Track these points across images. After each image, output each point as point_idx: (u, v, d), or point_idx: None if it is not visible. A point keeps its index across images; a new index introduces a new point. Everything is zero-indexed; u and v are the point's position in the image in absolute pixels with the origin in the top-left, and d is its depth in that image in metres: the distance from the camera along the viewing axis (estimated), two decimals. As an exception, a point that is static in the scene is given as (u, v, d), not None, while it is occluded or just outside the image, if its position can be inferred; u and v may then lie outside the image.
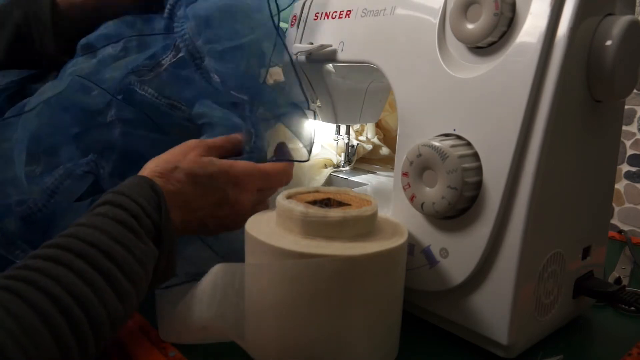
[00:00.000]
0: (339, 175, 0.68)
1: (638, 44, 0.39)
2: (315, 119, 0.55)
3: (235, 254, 0.45)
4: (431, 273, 0.42)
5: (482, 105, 0.39)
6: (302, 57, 0.56)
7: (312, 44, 0.54)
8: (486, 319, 0.40)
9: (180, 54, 0.51)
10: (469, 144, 0.40)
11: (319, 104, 0.63)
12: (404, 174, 0.42)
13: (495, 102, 0.38)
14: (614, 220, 0.98)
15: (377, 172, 0.70)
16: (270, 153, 0.52)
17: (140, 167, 0.44)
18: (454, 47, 0.42)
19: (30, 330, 0.29)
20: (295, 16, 0.59)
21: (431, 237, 0.42)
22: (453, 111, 0.41)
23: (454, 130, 0.41)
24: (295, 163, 0.51)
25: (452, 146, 0.39)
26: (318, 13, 0.56)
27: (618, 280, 0.56)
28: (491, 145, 0.38)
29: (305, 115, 0.53)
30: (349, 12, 0.52)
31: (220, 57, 0.51)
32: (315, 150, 0.70)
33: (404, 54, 0.45)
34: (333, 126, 0.68)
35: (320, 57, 0.54)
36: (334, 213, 0.37)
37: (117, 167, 0.51)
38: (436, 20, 0.43)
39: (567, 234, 0.42)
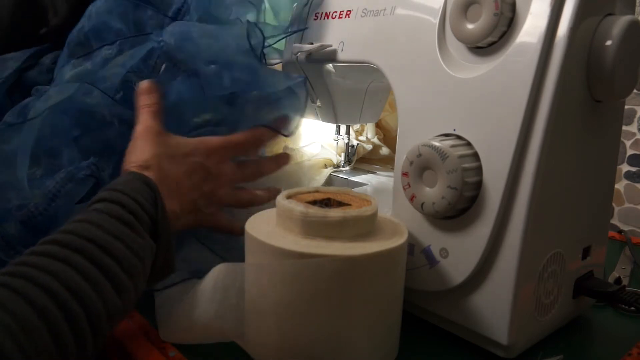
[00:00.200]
0: (339, 175, 0.68)
1: (638, 44, 0.39)
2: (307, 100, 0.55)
3: (235, 252, 0.45)
4: (431, 273, 0.42)
5: (482, 105, 0.39)
6: (302, 57, 0.56)
7: (312, 44, 0.54)
8: (486, 319, 0.40)
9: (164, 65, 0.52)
10: (469, 144, 0.40)
11: (319, 104, 0.63)
12: (404, 174, 0.42)
13: (495, 102, 0.38)
14: (614, 220, 0.98)
15: (377, 172, 0.70)
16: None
17: None
18: (454, 47, 0.42)
19: (27, 327, 0.29)
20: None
21: (431, 237, 0.42)
22: (453, 111, 0.41)
23: (454, 130, 0.41)
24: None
25: (452, 146, 0.39)
26: (318, 13, 0.56)
27: (618, 280, 0.56)
28: (491, 145, 0.38)
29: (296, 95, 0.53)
30: (349, 12, 0.52)
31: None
32: (315, 150, 0.70)
33: (404, 54, 0.45)
34: (333, 126, 0.68)
35: (320, 57, 0.54)
36: (334, 213, 0.37)
37: (117, 168, 0.51)
38: (436, 20, 0.43)
39: (567, 234, 0.42)
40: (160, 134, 0.46)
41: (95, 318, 0.33)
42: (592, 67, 0.38)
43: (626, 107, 0.89)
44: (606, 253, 0.49)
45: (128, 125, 0.50)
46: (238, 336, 0.39)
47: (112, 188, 0.40)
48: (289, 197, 0.41)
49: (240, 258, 0.41)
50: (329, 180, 0.67)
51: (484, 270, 0.40)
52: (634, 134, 0.94)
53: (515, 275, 0.38)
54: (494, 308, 0.39)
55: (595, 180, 0.44)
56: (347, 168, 0.71)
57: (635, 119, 0.93)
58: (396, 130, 0.46)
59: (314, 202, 0.41)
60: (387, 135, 0.76)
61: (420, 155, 0.40)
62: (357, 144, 0.71)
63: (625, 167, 0.96)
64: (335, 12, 0.54)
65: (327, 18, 0.54)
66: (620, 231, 0.72)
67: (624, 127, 0.94)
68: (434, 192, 0.40)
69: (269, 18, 0.59)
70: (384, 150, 0.75)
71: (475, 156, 0.39)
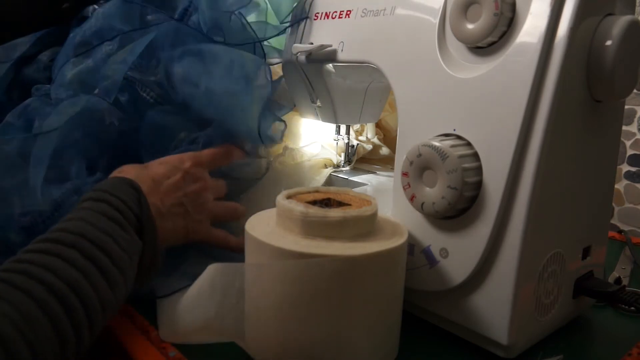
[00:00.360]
0: (339, 175, 0.68)
1: (638, 44, 0.39)
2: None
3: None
4: (431, 273, 0.42)
5: (482, 105, 0.39)
6: (302, 57, 0.56)
7: (312, 44, 0.55)
8: (486, 319, 0.40)
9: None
10: (469, 144, 0.40)
11: (319, 103, 0.63)
12: (404, 174, 0.42)
13: (495, 102, 0.38)
14: (614, 220, 0.98)
15: (377, 172, 0.70)
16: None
17: None
18: (454, 47, 0.42)
19: (29, 317, 0.30)
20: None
21: (431, 237, 0.42)
22: (453, 111, 0.41)
23: (454, 130, 0.41)
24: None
25: (452, 146, 0.39)
26: (318, 13, 0.56)
27: (618, 280, 0.56)
28: (491, 145, 0.38)
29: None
30: (349, 12, 0.52)
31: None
32: (315, 150, 0.70)
33: (404, 54, 0.45)
34: (333, 126, 0.68)
35: (320, 57, 0.54)
36: (334, 213, 0.37)
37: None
38: (436, 20, 0.43)
39: (567, 234, 0.42)
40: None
41: (91, 310, 0.34)
42: (592, 67, 0.38)
43: (626, 107, 0.89)
44: (606, 253, 0.49)
45: (134, 128, 0.51)
46: (238, 336, 0.39)
47: (97, 189, 0.41)
48: (289, 197, 0.41)
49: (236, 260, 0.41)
50: (329, 180, 0.67)
51: (484, 270, 0.40)
52: (634, 134, 0.94)
53: (515, 275, 0.38)
54: (494, 308, 0.39)
55: (595, 180, 0.44)
56: (347, 168, 0.71)
57: (635, 119, 0.93)
58: (396, 130, 0.46)
59: (314, 202, 0.41)
60: (387, 135, 0.76)
61: (420, 155, 0.40)
62: (357, 144, 0.71)
63: (625, 167, 0.96)
64: (335, 12, 0.54)
65: (327, 18, 0.54)
66: (620, 231, 0.72)
67: (624, 127, 0.94)
68: (434, 192, 0.40)
69: (269, 18, 0.59)
70: (384, 150, 0.75)
71: (475, 156, 0.39)
